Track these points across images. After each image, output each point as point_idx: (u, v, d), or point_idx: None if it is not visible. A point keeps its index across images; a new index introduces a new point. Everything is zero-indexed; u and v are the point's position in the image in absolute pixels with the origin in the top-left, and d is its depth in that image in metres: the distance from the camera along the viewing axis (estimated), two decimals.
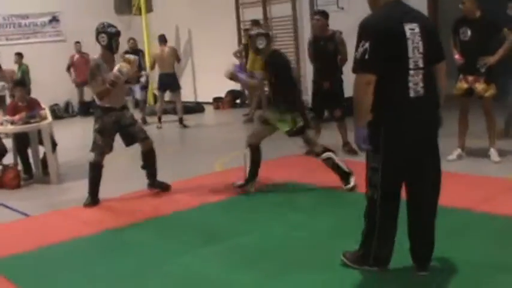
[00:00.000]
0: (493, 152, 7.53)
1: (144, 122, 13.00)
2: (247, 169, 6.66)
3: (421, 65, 3.93)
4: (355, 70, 3.91)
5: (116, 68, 6.41)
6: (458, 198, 5.85)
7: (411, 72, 3.89)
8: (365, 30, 3.90)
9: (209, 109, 15.00)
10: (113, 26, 6.72)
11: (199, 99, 15.74)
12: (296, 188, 6.89)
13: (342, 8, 12.11)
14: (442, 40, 4.26)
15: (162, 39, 13.08)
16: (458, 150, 7.71)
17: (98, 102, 6.66)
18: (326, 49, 8.44)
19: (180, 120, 12.72)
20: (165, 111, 13.48)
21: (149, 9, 16.18)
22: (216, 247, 5.15)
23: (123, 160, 8.56)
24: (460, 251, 4.64)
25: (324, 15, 8.60)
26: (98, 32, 6.65)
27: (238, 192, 6.71)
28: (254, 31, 6.97)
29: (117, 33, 6.72)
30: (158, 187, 7.05)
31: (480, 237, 4.94)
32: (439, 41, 4.18)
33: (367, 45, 3.81)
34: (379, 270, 4.28)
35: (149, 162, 6.98)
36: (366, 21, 3.95)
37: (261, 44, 6.64)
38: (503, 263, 4.37)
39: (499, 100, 7.93)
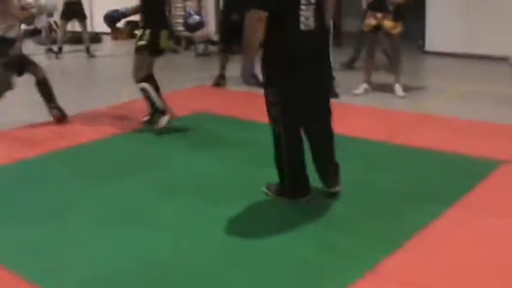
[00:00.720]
0: (397, 87, 7.70)
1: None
2: (151, 103, 6.31)
3: (312, 0, 4.03)
4: (250, 6, 3.93)
5: None
6: (370, 131, 5.98)
7: (302, 7, 4.00)
8: None
9: (107, 39, 14.45)
10: None
11: (97, 30, 15.09)
12: (208, 119, 6.75)
13: None
14: None
15: None
16: (365, 85, 7.84)
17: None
18: None
19: (87, 50, 12.14)
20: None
21: None
22: (132, 181, 4.91)
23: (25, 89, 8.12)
24: (378, 181, 4.74)
25: None
26: None
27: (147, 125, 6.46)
28: None
29: None
30: (57, 115, 6.68)
31: (396, 169, 5.05)
32: None
33: None
34: (299, 202, 4.31)
35: (44, 91, 6.62)
36: None
37: None
38: (421, 193, 4.49)
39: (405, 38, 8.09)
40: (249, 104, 7.03)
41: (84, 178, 5.06)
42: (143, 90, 6.15)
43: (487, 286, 3.20)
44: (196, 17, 6.73)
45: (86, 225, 4.12)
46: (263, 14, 3.89)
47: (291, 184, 4.30)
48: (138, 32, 6.22)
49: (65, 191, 4.76)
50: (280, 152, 4.27)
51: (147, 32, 6.03)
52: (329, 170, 4.36)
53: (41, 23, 12.90)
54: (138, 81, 6.17)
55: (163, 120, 6.13)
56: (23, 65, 6.48)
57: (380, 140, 5.75)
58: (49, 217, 4.26)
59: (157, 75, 6.30)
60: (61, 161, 5.52)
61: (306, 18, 4.03)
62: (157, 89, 6.21)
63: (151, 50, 6.09)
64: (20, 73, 6.50)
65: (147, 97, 6.15)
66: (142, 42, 6.06)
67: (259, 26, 3.91)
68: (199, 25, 6.70)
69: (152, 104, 6.19)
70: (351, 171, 4.58)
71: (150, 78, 6.18)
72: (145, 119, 6.40)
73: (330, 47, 4.49)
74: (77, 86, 9.42)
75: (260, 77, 4.07)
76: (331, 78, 4.45)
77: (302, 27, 4.03)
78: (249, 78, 4.03)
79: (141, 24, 6.20)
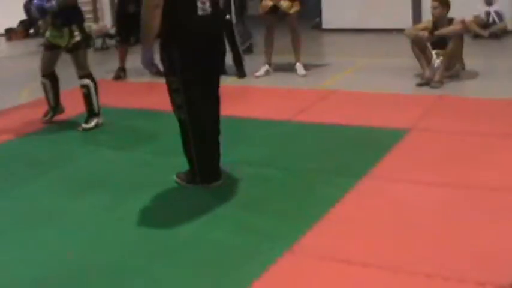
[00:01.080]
0: (299, 66, 7.77)
1: None
2: (50, 99, 6.18)
3: None
4: None
5: None
6: (274, 112, 6.01)
7: None
8: None
9: (1, 41, 13.90)
10: None
11: None
12: (112, 113, 6.55)
13: None
14: None
15: None
16: (266, 66, 7.86)
17: None
18: None
19: None
20: None
21: None
22: (42, 181, 4.77)
23: None
24: (286, 161, 4.78)
25: None
26: None
27: (48, 123, 6.27)
28: None
29: None
30: None
31: (303, 146, 5.11)
32: None
33: None
34: (211, 187, 4.29)
35: None
36: None
37: None
38: (330, 168, 4.56)
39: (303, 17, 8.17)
40: (151, 95, 6.93)
41: None
42: (85, 87, 6.00)
43: (400, 250, 3.27)
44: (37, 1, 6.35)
45: None
46: (160, 1, 3.90)
47: (201, 170, 4.28)
48: (59, 30, 5.90)
49: None
50: (187, 138, 4.23)
51: (74, 27, 5.88)
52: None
53: None
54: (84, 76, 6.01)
55: (93, 122, 5.99)
56: None
57: (283, 119, 5.79)
58: None
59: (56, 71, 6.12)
60: None
61: (203, 3, 4.05)
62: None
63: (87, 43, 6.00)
64: None
65: (87, 95, 5.99)
66: (77, 39, 5.89)
67: (157, 13, 3.93)
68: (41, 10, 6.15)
69: (90, 103, 6.02)
70: (257, 153, 4.60)
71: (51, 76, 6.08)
72: (47, 117, 6.23)
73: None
74: None
75: (160, 66, 4.03)
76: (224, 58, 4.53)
77: (200, 12, 4.05)
78: (149, 66, 4.00)
79: (59, 22, 5.86)
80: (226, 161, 4.40)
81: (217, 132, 4.33)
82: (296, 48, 7.82)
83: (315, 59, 8.52)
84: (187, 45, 4.07)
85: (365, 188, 4.12)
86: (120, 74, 8.36)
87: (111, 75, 8.34)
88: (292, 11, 7.55)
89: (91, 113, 6.02)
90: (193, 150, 4.24)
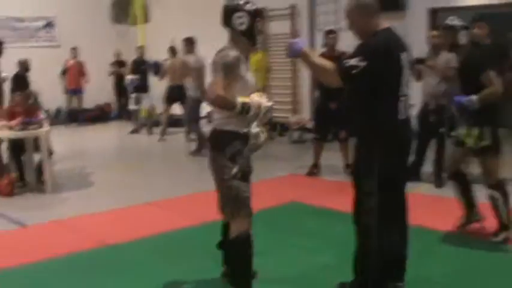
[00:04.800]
0: None
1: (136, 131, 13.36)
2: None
3: (406, 91, 4.09)
4: (337, 73, 3.99)
5: (259, 102, 4.05)
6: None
7: (401, 98, 4.05)
8: (367, 50, 3.95)
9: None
10: (248, 1, 4.22)
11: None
12: (300, 209, 6.70)
13: (341, 28, 12.07)
14: None
15: (172, 50, 12.79)
16: None
17: (221, 124, 4.18)
18: None
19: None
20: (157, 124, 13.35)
21: (146, 19, 16.06)
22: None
23: (116, 173, 8.44)
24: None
25: (337, 34, 8.55)
26: (232, 11, 4.15)
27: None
28: None
29: (260, 13, 4.41)
30: None
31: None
32: None
33: (362, 64, 3.87)
34: None
35: None
36: (369, 44, 4.00)
37: None
38: None
39: None
40: (342, 195, 6.97)
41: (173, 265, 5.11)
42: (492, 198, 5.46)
43: None
44: None
45: None
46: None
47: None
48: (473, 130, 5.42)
49: (150, 278, 4.80)
50: (364, 248, 4.13)
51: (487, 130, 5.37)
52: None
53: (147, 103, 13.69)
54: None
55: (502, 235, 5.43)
56: None
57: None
58: None
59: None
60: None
61: (404, 107, 4.07)
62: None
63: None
64: None
65: (496, 206, 5.46)
66: (485, 142, 5.33)
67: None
68: None
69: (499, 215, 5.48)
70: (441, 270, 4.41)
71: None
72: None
73: None
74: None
75: None
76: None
77: (400, 116, 4.06)
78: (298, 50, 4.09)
79: (473, 121, 5.40)
80: (408, 277, 4.25)
81: (404, 247, 4.20)
82: None
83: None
84: (387, 149, 4.01)
85: None
86: (314, 170, 8.54)
87: (305, 170, 8.56)
88: None
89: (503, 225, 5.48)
90: (371, 261, 4.08)
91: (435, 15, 11.32)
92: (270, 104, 4.06)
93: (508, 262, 5.05)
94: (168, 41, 12.89)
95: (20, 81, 12.07)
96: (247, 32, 4.14)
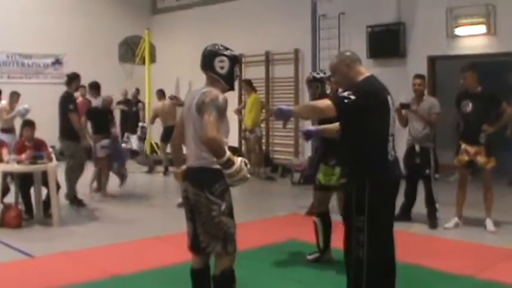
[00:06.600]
0: (489, 222, 7.74)
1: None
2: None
3: (393, 132, 4.37)
4: (332, 103, 4.19)
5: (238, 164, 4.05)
6: (460, 265, 6.01)
7: (390, 138, 4.33)
8: (357, 90, 4.24)
9: None
10: (228, 48, 4.48)
11: None
12: (300, 247, 6.90)
13: None
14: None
15: (161, 94, 13.44)
16: (456, 219, 7.89)
17: (210, 162, 4.22)
18: None
19: None
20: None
21: (152, 60, 16.40)
22: None
23: (124, 206, 8.61)
24: None
25: None
26: (214, 55, 4.37)
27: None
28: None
29: (239, 60, 4.75)
30: None
31: None
32: None
33: (352, 97, 4.16)
34: None
35: None
36: (359, 84, 4.33)
37: None
38: None
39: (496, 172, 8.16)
40: (338, 233, 7.14)
41: None
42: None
43: None
44: None
45: None
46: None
47: None
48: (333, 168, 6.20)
49: None
50: (359, 281, 4.32)
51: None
52: None
53: (136, 145, 13.94)
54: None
55: None
56: None
57: (467, 274, 5.77)
58: None
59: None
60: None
61: (391, 148, 4.33)
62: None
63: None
64: None
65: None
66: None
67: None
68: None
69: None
70: None
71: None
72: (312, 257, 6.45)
73: None
74: None
75: None
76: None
77: (389, 157, 4.32)
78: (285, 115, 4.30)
79: (333, 161, 6.14)
80: None
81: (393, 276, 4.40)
82: (488, 204, 7.83)
83: (508, 216, 8.36)
84: (377, 188, 4.24)
85: None
86: (313, 210, 8.72)
87: (305, 210, 8.76)
88: (488, 166, 7.63)
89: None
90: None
91: (433, 63, 11.71)
92: (247, 175, 4.10)
93: None
94: (174, 81, 13.27)
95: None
96: (227, 75, 4.33)
